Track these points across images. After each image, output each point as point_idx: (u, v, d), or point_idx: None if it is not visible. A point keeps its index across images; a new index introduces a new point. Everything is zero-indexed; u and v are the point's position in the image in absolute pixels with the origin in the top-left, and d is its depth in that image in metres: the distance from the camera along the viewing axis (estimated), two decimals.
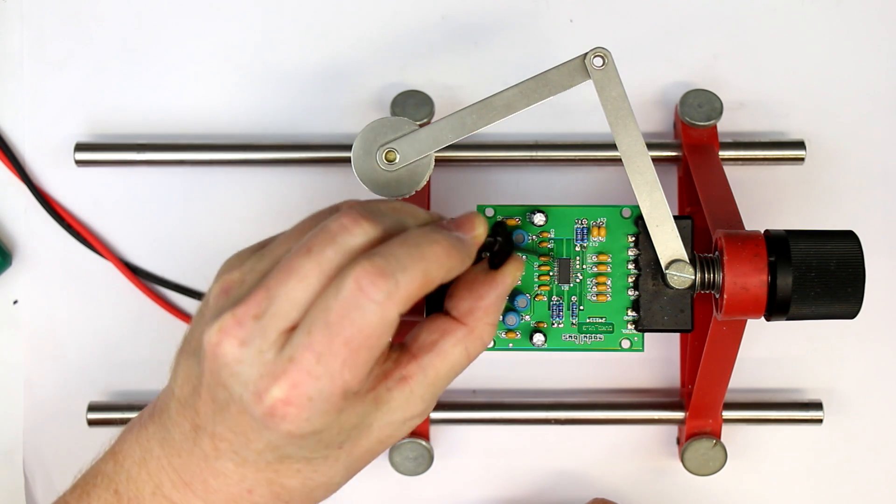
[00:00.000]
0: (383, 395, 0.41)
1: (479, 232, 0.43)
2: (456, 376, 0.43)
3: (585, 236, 0.50)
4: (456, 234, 0.41)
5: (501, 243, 0.44)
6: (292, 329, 0.39)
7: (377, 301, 0.38)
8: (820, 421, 0.61)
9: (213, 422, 0.41)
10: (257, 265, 0.41)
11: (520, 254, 0.49)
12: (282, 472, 0.42)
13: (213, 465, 0.42)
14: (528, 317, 0.50)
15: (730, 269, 0.47)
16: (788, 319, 0.48)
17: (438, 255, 0.40)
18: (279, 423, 0.39)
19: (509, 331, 0.50)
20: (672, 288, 0.48)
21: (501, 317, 0.49)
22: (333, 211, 0.42)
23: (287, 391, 0.38)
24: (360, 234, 0.39)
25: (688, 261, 0.48)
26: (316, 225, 0.41)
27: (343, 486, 0.44)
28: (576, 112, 0.62)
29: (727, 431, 0.60)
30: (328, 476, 0.42)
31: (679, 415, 0.60)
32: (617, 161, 0.55)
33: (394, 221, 0.41)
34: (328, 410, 0.39)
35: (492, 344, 0.50)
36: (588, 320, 0.50)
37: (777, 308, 0.48)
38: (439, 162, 0.59)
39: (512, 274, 0.44)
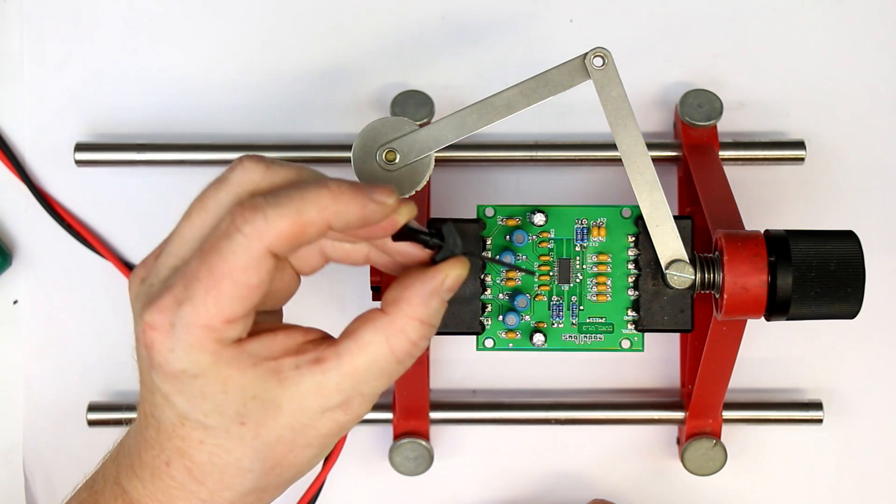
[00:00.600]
0: (289, 373, 0.40)
1: (391, 200, 0.40)
2: (385, 376, 0.41)
3: (585, 236, 0.50)
4: (358, 187, 0.40)
5: (444, 243, 0.42)
6: None
7: (243, 232, 0.38)
8: (820, 421, 0.61)
9: (140, 382, 0.42)
10: None
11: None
12: (187, 440, 0.40)
13: (145, 435, 0.41)
14: (528, 317, 0.50)
15: (730, 269, 0.47)
16: (788, 319, 0.48)
17: (320, 197, 0.39)
18: (150, 353, 0.39)
19: (509, 331, 0.50)
20: (672, 288, 0.48)
21: (501, 317, 0.49)
22: None
23: (154, 315, 0.39)
24: (250, 168, 0.40)
25: (688, 261, 0.48)
26: None
27: (263, 482, 0.42)
28: (576, 112, 0.62)
29: (727, 431, 0.60)
30: (235, 456, 0.40)
31: (679, 415, 0.60)
32: (617, 161, 0.55)
33: (300, 172, 0.41)
34: (194, 346, 0.38)
35: (483, 337, 0.50)
36: (588, 320, 0.50)
37: (777, 308, 0.48)
38: (439, 162, 0.59)
39: (446, 271, 0.41)
